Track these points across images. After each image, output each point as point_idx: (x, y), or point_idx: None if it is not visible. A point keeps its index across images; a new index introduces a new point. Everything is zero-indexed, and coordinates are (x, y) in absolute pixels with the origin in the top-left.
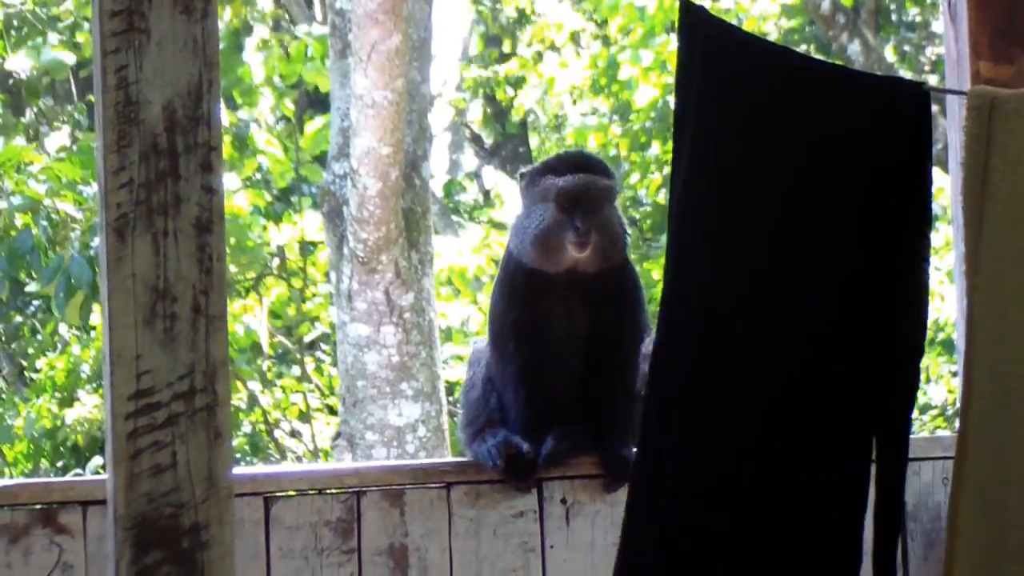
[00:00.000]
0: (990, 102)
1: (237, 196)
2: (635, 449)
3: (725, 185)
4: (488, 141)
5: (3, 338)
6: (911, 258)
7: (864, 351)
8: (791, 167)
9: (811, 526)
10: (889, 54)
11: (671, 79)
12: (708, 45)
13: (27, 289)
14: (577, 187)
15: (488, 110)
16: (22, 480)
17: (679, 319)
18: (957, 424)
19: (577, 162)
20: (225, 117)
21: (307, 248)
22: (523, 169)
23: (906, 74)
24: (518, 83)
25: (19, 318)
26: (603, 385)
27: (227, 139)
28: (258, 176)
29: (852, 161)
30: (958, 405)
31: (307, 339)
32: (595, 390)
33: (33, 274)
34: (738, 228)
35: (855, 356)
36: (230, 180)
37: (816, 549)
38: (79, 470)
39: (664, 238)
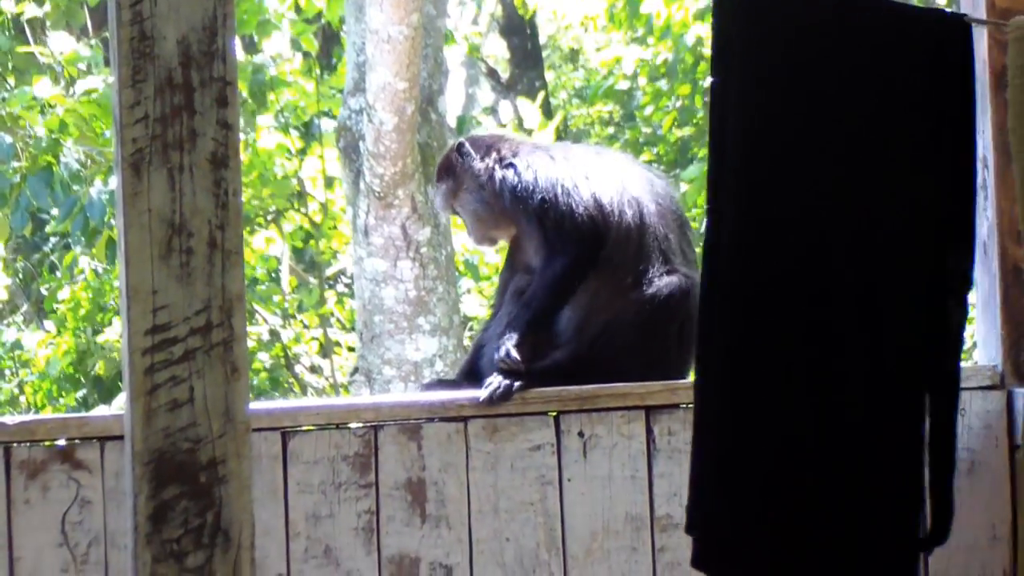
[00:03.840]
0: None
1: (264, 135)
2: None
3: (773, 126)
4: (504, 75)
5: (22, 276)
6: (959, 188)
7: (914, 282)
8: (835, 99)
9: (867, 463)
10: None
11: (694, 8)
12: None
13: (46, 229)
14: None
15: (507, 42)
16: (39, 416)
17: (728, 257)
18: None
19: None
20: (241, 53)
21: (331, 181)
22: None
23: (923, 3)
24: None
25: (37, 255)
26: None
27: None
28: (279, 109)
29: (897, 92)
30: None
31: (328, 272)
32: None
33: (55, 211)
34: (788, 167)
35: (906, 288)
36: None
37: (876, 482)
38: (104, 406)
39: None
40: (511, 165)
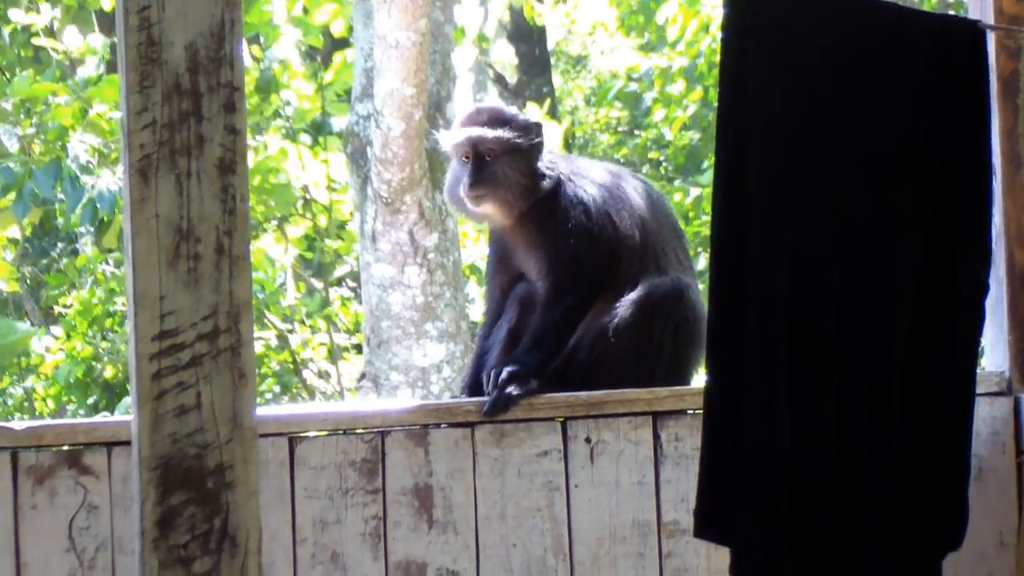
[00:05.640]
0: None
1: (264, 138)
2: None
3: (782, 129)
4: (512, 81)
5: (28, 279)
6: (973, 192)
7: (929, 288)
8: (849, 107)
9: (882, 468)
10: None
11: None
12: None
13: (57, 221)
14: (463, 141)
15: (515, 48)
16: (47, 422)
17: (737, 266)
18: None
19: (470, 116)
20: (248, 58)
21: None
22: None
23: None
24: None
25: (45, 260)
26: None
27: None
28: (284, 114)
29: (910, 98)
30: None
31: (334, 276)
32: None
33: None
34: (800, 173)
35: (920, 293)
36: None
37: (891, 487)
38: (106, 413)
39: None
40: (572, 191)
